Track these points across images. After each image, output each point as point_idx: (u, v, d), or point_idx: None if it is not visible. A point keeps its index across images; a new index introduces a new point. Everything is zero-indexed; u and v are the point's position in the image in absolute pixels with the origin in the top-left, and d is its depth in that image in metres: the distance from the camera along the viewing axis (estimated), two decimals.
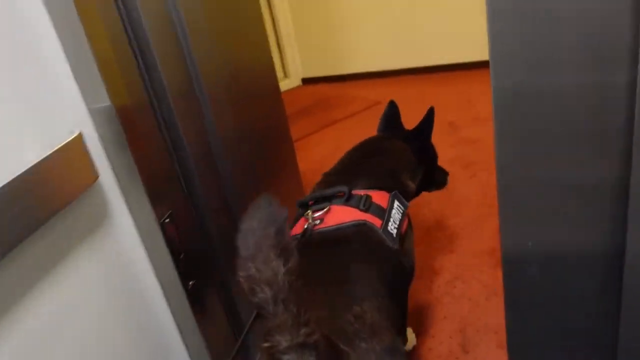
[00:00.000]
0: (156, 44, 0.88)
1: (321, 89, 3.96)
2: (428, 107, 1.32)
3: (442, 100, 2.98)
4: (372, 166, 1.15)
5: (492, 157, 2.07)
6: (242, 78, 1.31)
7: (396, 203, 1.01)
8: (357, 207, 0.95)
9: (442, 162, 2.08)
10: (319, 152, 2.62)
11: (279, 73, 4.17)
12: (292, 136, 2.92)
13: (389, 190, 1.03)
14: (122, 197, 0.81)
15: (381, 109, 1.41)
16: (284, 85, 4.15)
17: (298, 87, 4.22)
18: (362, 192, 0.99)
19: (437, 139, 1.46)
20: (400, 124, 1.38)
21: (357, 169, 1.13)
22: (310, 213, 0.96)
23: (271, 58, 1.51)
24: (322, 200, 0.99)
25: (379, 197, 0.99)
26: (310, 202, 1.01)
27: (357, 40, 3.82)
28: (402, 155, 1.24)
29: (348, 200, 0.97)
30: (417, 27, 3.56)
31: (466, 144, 2.25)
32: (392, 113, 1.38)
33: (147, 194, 0.81)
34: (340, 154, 1.24)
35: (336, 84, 4.02)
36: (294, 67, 4.16)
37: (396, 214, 0.99)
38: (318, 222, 0.95)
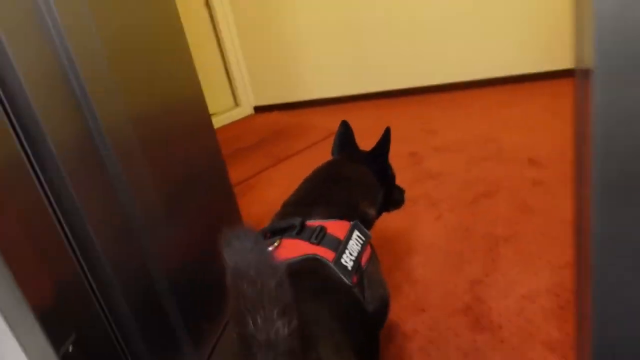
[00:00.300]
0: (38, 99, 0.72)
1: (275, 118, 3.83)
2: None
3: (401, 128, 2.91)
4: (331, 194, 1.12)
5: (456, 193, 1.98)
6: (163, 124, 1.14)
7: (356, 233, 0.99)
8: (308, 240, 0.93)
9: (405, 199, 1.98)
10: (275, 190, 2.47)
11: (229, 102, 4.03)
12: (244, 174, 2.77)
13: (349, 219, 1.01)
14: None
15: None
16: (235, 114, 4.01)
17: (250, 116, 4.08)
18: (317, 223, 0.97)
19: (399, 172, 1.43)
20: (355, 144, 1.39)
21: (315, 198, 1.11)
22: None
23: (202, 97, 1.33)
24: (276, 233, 0.97)
25: (337, 228, 0.97)
26: (267, 235, 0.97)
27: (311, 66, 3.73)
28: (363, 180, 1.22)
29: (299, 233, 0.95)
30: (373, 50, 3.51)
31: (429, 178, 2.15)
32: (345, 134, 1.38)
33: (37, 320, 0.63)
34: None
35: (290, 111, 3.90)
36: (245, 95, 4.03)
37: (354, 245, 0.97)
38: None
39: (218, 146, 1.35)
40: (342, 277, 0.89)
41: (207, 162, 1.33)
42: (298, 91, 3.89)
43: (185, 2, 3.63)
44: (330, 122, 3.39)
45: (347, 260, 0.92)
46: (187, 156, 1.24)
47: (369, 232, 1.02)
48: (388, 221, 1.86)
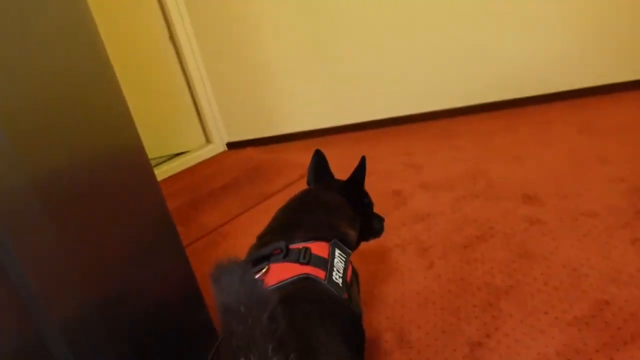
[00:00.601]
0: None
1: (249, 155, 3.72)
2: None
3: (384, 162, 2.82)
4: (309, 218, 1.16)
5: (447, 237, 1.87)
6: (82, 182, 0.98)
7: (337, 252, 1.03)
8: (296, 261, 0.96)
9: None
10: (251, 239, 2.32)
11: (200, 139, 3.92)
12: (218, 219, 2.63)
13: (328, 240, 1.05)
14: None
15: None
16: (207, 152, 3.89)
17: (223, 153, 3.96)
18: (300, 246, 1.00)
19: (383, 213, 1.43)
20: (330, 173, 1.44)
21: (293, 223, 1.14)
22: None
23: (138, 147, 1.13)
24: (260, 260, 0.98)
25: (319, 248, 1.01)
26: (252, 264, 0.99)
27: (284, 98, 3.65)
28: (340, 206, 1.26)
29: (286, 255, 0.97)
30: (350, 79, 3.44)
31: (417, 221, 2.05)
32: (319, 162, 1.43)
33: None
34: None
35: (265, 147, 3.80)
36: (216, 131, 3.92)
37: (338, 262, 1.01)
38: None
39: (163, 202, 1.20)
40: (337, 293, 0.93)
41: (149, 222, 1.19)
42: (272, 125, 3.79)
43: (149, 37, 3.55)
44: (306, 157, 3.29)
45: (337, 277, 0.97)
46: (121, 217, 1.09)
47: (348, 249, 1.07)
48: (376, 272, 1.74)
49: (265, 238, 1.11)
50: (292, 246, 0.99)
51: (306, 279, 0.92)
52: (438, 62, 3.23)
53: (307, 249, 0.98)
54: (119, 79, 1.09)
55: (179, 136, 3.96)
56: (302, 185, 1.46)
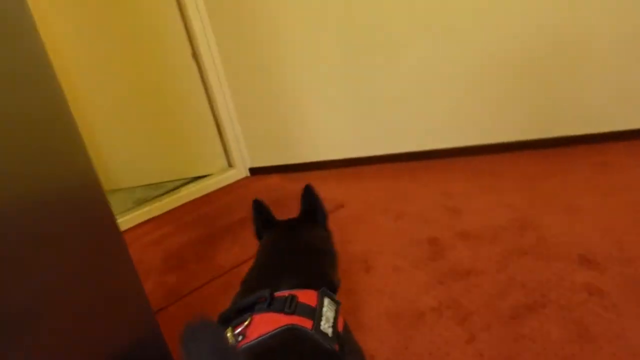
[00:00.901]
0: None
1: (273, 183, 3.59)
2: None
3: (419, 202, 2.65)
4: (295, 261, 1.16)
5: (490, 302, 1.65)
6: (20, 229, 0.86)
7: (327, 300, 1.01)
8: (281, 311, 0.94)
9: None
10: None
11: (222, 163, 3.82)
12: (234, 258, 2.50)
13: (316, 288, 1.03)
14: None
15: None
16: (228, 177, 3.79)
17: (245, 179, 3.85)
18: (286, 293, 0.99)
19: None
20: (321, 208, 1.42)
21: (278, 267, 1.13)
22: (230, 330, 0.92)
23: (96, 189, 1.01)
24: (244, 310, 0.97)
25: (307, 296, 1.00)
26: (234, 315, 0.97)
27: (312, 123, 3.52)
28: (325, 247, 1.27)
29: (270, 304, 0.95)
30: (385, 105, 3.29)
31: (456, 279, 1.87)
32: (262, 214, 1.45)
33: None
34: None
35: (291, 175, 3.67)
36: (239, 155, 3.82)
37: (328, 311, 0.99)
38: (241, 337, 0.90)
39: (126, 254, 1.06)
40: (326, 344, 0.89)
41: (108, 277, 1.05)
42: (298, 152, 3.66)
43: (172, 54, 3.49)
44: (335, 191, 3.14)
45: (326, 327, 0.94)
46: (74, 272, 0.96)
47: (337, 300, 1.05)
48: (407, 341, 1.56)
49: (249, 284, 1.12)
50: (278, 294, 0.99)
51: (290, 330, 0.90)
52: (481, 92, 3.05)
53: (293, 297, 0.97)
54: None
55: (199, 159, 3.87)
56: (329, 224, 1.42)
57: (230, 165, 3.85)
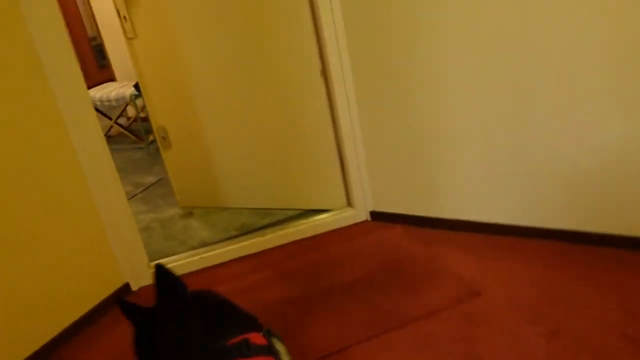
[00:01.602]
0: None
1: (396, 237, 3.16)
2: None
3: (586, 316, 2.04)
4: (225, 316, 1.27)
5: None
6: None
7: (273, 338, 1.15)
8: (241, 356, 1.04)
9: None
10: None
11: (341, 199, 3.52)
12: (329, 341, 2.15)
13: (258, 331, 1.16)
14: None
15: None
16: (346, 218, 3.48)
17: (364, 223, 3.49)
18: (238, 339, 1.09)
19: None
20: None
21: (212, 322, 1.20)
22: None
23: None
24: None
25: (255, 337, 1.12)
26: None
27: (451, 173, 3.01)
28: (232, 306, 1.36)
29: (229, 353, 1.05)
30: (545, 167, 2.66)
31: None
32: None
33: None
34: None
35: (418, 230, 3.20)
36: (360, 194, 3.46)
37: (280, 348, 1.13)
38: None
39: None
40: None
41: None
42: (431, 204, 3.16)
43: (300, 69, 3.25)
44: (469, 265, 2.62)
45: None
46: None
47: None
48: None
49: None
50: (230, 342, 1.08)
51: None
52: None
53: (246, 340, 1.07)
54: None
55: (316, 191, 3.58)
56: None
57: (349, 204, 3.50)
